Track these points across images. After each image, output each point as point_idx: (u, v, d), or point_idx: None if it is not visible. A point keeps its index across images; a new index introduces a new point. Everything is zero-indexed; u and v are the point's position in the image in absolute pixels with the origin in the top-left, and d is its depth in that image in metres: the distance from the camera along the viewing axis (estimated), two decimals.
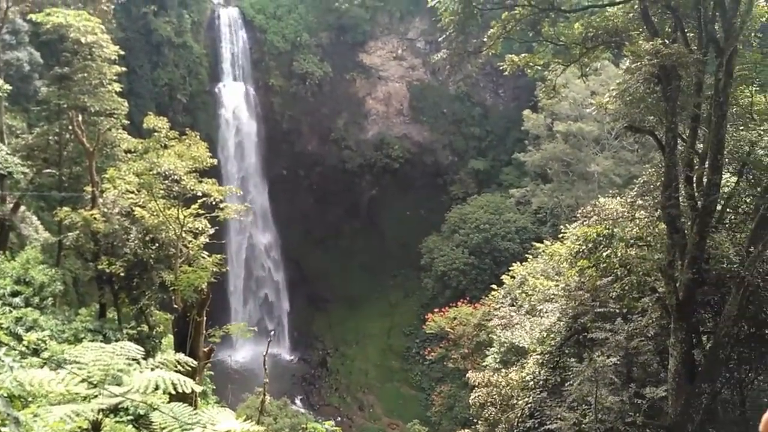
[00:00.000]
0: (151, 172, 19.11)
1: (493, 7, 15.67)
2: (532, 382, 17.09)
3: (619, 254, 15.68)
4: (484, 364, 24.15)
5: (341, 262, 56.57)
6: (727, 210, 14.74)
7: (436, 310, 37.51)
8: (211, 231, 20.20)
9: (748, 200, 14.68)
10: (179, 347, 15.86)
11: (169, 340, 21.91)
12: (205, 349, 16.95)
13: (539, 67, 17.81)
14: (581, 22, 15.83)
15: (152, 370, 7.04)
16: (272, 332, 50.45)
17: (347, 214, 58.55)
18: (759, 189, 13.89)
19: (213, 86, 52.72)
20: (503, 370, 20.41)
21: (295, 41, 54.13)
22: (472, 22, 15.54)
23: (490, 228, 49.21)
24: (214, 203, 19.39)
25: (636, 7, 14.54)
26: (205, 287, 17.04)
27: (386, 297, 56.05)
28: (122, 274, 20.75)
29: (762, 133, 14.05)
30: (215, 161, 20.60)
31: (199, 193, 19.12)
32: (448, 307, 36.51)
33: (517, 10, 15.39)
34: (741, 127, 14.47)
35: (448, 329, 33.67)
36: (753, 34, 15.22)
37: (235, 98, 53.25)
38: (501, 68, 17.35)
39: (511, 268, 27.06)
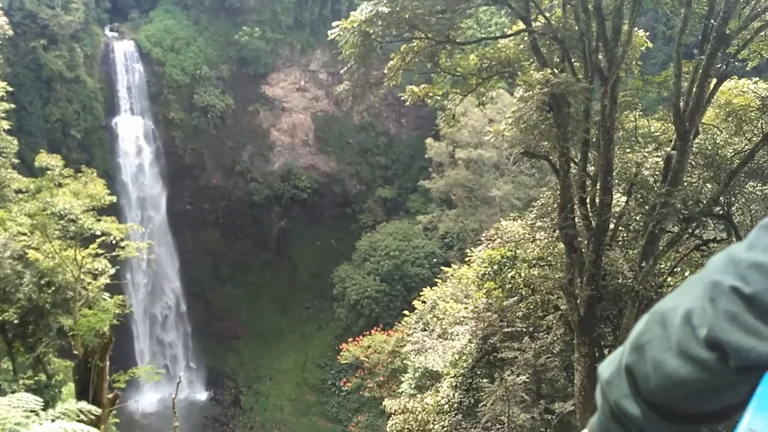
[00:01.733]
0: (44, 213, 18.20)
1: (392, 40, 16.05)
2: (447, 406, 17.28)
3: (523, 274, 16.26)
4: (399, 390, 24.21)
5: (251, 296, 55.47)
6: (619, 228, 15.61)
7: (350, 339, 37.33)
8: (112, 271, 19.40)
9: (637, 218, 15.61)
10: (81, 395, 15.04)
11: (69, 388, 20.73)
12: (110, 396, 16.15)
13: (439, 97, 18.36)
14: (476, 53, 16.51)
15: (53, 421, 6.63)
16: (181, 373, 48.60)
17: (256, 248, 57.60)
18: (646, 207, 14.80)
19: (109, 121, 50.94)
20: (419, 396, 20.53)
21: (194, 74, 53.27)
22: (372, 54, 15.83)
23: (399, 254, 49.73)
24: (114, 242, 18.67)
25: (526, 39, 15.31)
26: (107, 330, 16.30)
27: (299, 330, 55.31)
28: (16, 321, 19.51)
29: (647, 155, 15.04)
30: (114, 198, 19.88)
31: (98, 232, 18.37)
32: (362, 335, 36.42)
33: (415, 42, 15.83)
34: (627, 150, 15.44)
35: (363, 358, 33.56)
36: (634, 63, 16.38)
37: (133, 133, 51.61)
38: (402, 99, 17.77)
39: (421, 293, 27.39)
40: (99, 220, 18.47)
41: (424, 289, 28.04)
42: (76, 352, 16.19)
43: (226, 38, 54.64)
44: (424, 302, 26.51)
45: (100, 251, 18.64)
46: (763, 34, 14.61)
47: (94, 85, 49.60)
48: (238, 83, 55.73)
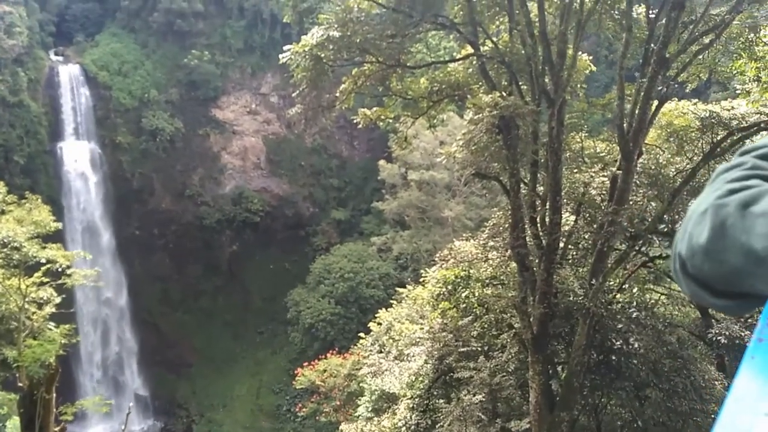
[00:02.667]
0: None
1: (343, 64, 16.17)
2: (404, 428, 17.22)
3: (477, 294, 16.42)
4: (356, 414, 24.02)
5: (203, 322, 54.42)
6: (569, 247, 15.94)
7: (305, 364, 36.94)
8: (58, 300, 18.83)
9: (586, 237, 15.98)
10: (27, 429, 14.48)
11: (14, 422, 19.91)
12: (57, 429, 15.59)
13: (390, 120, 18.55)
14: (426, 77, 16.76)
15: None
16: (130, 404, 47.18)
17: (207, 272, 56.63)
18: (595, 226, 15.17)
19: (54, 146, 49.70)
20: (376, 419, 20.41)
21: (142, 97, 52.52)
22: (324, 78, 15.92)
23: (354, 276, 49.59)
24: (60, 270, 18.15)
25: (474, 63, 15.64)
26: (54, 361, 15.77)
27: (253, 355, 54.42)
28: None
29: (593, 175, 15.46)
30: (59, 225, 19.36)
31: (43, 260, 17.83)
32: (318, 359, 36.10)
33: (366, 66, 15.99)
34: (575, 170, 15.85)
35: (319, 382, 33.23)
36: (579, 86, 16.88)
37: (78, 158, 50.45)
38: (355, 121, 17.88)
39: (377, 315, 27.34)
40: (44, 248, 17.95)
41: (379, 310, 27.99)
42: (21, 384, 15.59)
43: (175, 61, 54.10)
44: (379, 324, 26.47)
45: (45, 279, 18.09)
46: (700, 57, 15.25)
47: (38, 109, 48.41)
48: (187, 106, 55.13)
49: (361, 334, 29.22)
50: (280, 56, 15.95)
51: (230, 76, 57.11)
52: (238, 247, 58.01)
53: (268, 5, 54.00)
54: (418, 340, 18.57)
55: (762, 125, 14.26)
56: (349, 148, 61.13)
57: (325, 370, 33.28)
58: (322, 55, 14.99)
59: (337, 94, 16.64)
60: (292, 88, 17.84)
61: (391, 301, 28.67)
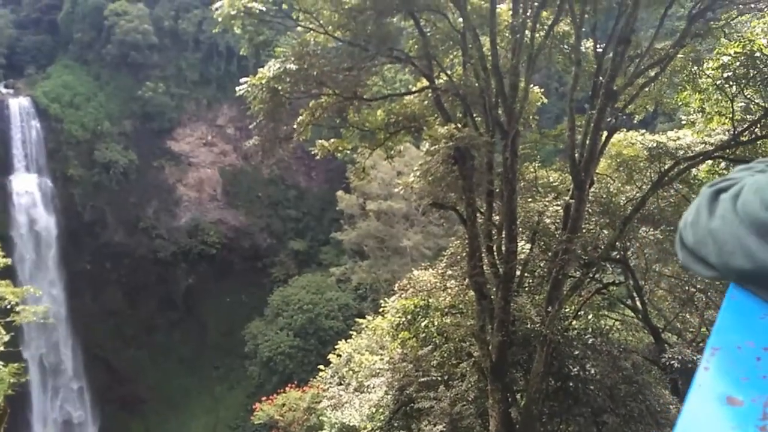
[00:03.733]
0: None
1: (300, 96, 16.25)
2: None
3: (436, 323, 16.46)
4: None
5: (158, 358, 53.12)
6: (525, 275, 16.18)
7: (263, 398, 36.23)
8: (6, 338, 18.20)
9: (541, 264, 16.24)
10: None
11: None
12: None
13: (348, 151, 18.65)
14: (383, 109, 16.97)
15: None
16: None
17: (162, 307, 55.48)
18: (550, 254, 15.44)
19: (3, 180, 48.42)
20: None
21: (95, 130, 51.74)
22: (281, 110, 15.96)
23: (313, 308, 49.22)
24: (8, 307, 17.59)
25: (430, 95, 15.91)
26: (2, 401, 15.19)
27: (210, 391, 53.24)
28: None
29: (547, 203, 15.79)
30: (8, 261, 18.82)
31: None
32: (276, 393, 35.46)
33: (323, 98, 16.11)
34: (529, 200, 16.16)
35: (278, 417, 32.61)
36: (531, 117, 17.31)
37: (28, 191, 49.20)
38: (313, 152, 17.93)
39: (336, 347, 27.11)
40: None
41: (338, 342, 27.78)
42: None
43: (129, 93, 53.57)
44: (339, 355, 26.24)
45: None
46: (647, 89, 15.83)
47: None
48: (142, 138, 54.48)
49: (321, 367, 28.88)
50: (237, 88, 15.96)
51: (186, 108, 56.76)
52: (194, 281, 57.06)
53: (224, 38, 54.08)
54: (378, 371, 18.47)
55: (707, 154, 14.81)
56: (307, 178, 61.11)
57: (284, 404, 32.70)
58: (279, 88, 15.05)
59: (295, 126, 16.68)
60: (249, 120, 17.82)
61: (351, 332, 28.50)
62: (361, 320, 27.96)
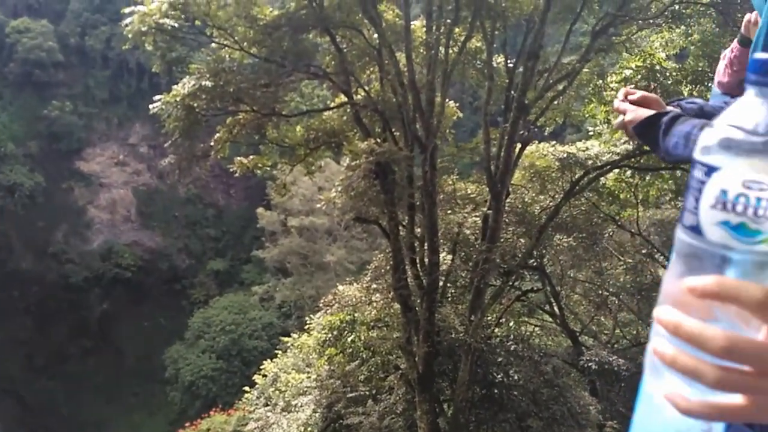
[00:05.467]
0: None
1: (217, 113, 16.02)
2: None
3: (363, 337, 16.46)
4: None
5: (72, 387, 50.57)
6: (448, 285, 16.45)
7: (186, 424, 35.09)
8: None
9: (463, 274, 16.56)
10: None
11: None
12: None
13: (268, 167, 18.49)
14: (302, 125, 16.96)
15: None
16: None
17: (75, 334, 52.93)
18: (470, 264, 15.78)
19: None
20: None
21: None
22: (197, 127, 15.68)
23: (236, 328, 48.16)
24: None
25: (349, 111, 16.02)
26: None
27: (128, 419, 51.10)
28: None
29: (466, 215, 16.15)
30: None
31: None
32: (200, 418, 34.44)
33: (241, 115, 15.93)
34: (449, 211, 16.48)
35: None
36: (448, 131, 17.72)
37: None
38: (231, 170, 17.67)
39: (261, 367, 26.64)
40: None
41: (264, 362, 27.29)
42: None
43: (34, 113, 51.19)
44: (264, 376, 25.77)
45: None
46: (556, 102, 16.52)
47: None
48: (49, 160, 52.08)
49: (246, 388, 28.25)
50: (150, 106, 15.57)
51: (95, 127, 54.75)
52: (109, 306, 54.81)
53: (135, 55, 52.51)
54: (305, 389, 18.28)
55: (614, 164, 15.56)
56: (226, 196, 60.02)
57: (208, 429, 31.77)
58: (195, 105, 14.79)
59: (212, 143, 16.41)
60: (163, 138, 17.42)
61: (276, 351, 28.03)
62: (286, 339, 27.56)
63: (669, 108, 1.92)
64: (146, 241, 57.10)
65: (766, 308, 0.63)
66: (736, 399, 0.66)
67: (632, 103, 2.03)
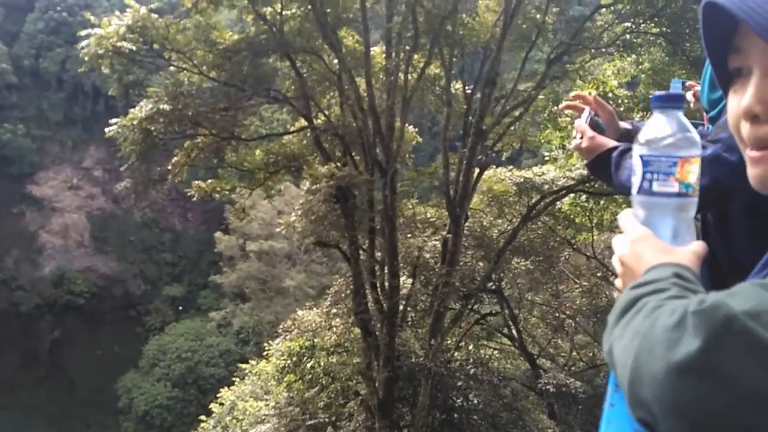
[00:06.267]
0: None
1: (174, 137, 15.87)
2: None
3: (322, 363, 16.31)
4: None
5: (22, 419, 48.71)
6: (408, 309, 16.45)
7: None
8: None
9: (423, 298, 16.60)
10: None
11: None
12: None
13: (227, 191, 18.35)
14: (261, 148, 16.89)
15: None
16: None
17: (25, 363, 51.17)
18: (430, 288, 15.84)
19: None
20: None
21: None
22: (155, 151, 15.51)
23: (192, 356, 47.20)
24: None
25: (309, 135, 16.04)
26: None
27: None
28: None
29: (426, 239, 16.25)
30: None
31: None
32: None
33: (199, 138, 15.82)
34: (409, 235, 16.56)
35: None
36: (408, 156, 17.87)
37: None
38: (189, 194, 17.48)
39: (218, 395, 26.13)
40: None
41: (221, 390, 26.79)
42: None
43: None
44: (221, 404, 25.26)
45: None
46: (513, 128, 16.83)
47: None
48: None
49: (202, 417, 27.63)
50: (107, 129, 15.33)
51: (48, 150, 53.58)
52: (61, 334, 53.21)
53: (90, 78, 51.73)
54: (263, 417, 17.96)
55: (569, 188, 15.88)
56: (183, 220, 59.16)
57: None
58: (152, 128, 14.63)
59: (170, 167, 16.23)
60: (119, 162, 17.16)
61: (234, 379, 27.54)
62: (244, 365, 27.13)
63: (619, 144, 2.03)
64: (100, 267, 55.78)
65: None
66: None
67: (587, 103, 2.22)
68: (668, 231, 1.09)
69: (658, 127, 1.10)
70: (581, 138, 2.09)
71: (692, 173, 1.09)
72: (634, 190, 1.13)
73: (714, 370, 0.71)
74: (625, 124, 2.22)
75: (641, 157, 1.11)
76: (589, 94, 2.29)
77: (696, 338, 0.73)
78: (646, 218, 1.11)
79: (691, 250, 1.04)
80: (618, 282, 1.10)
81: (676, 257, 1.00)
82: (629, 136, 2.16)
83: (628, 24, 15.33)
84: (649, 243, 1.05)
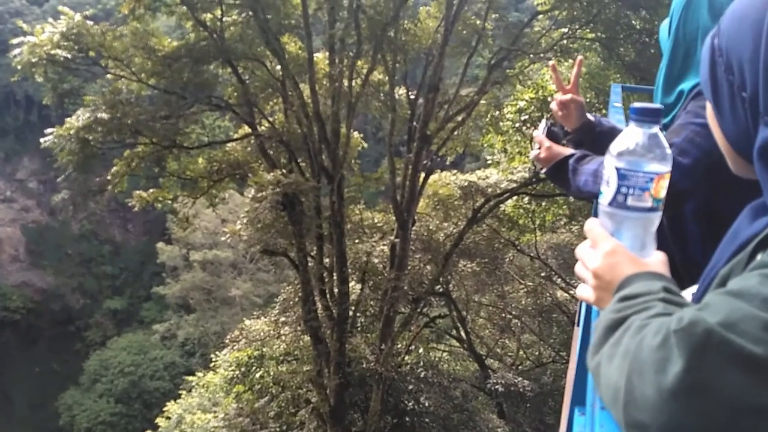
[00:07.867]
0: None
1: (113, 146, 15.50)
2: None
3: (272, 372, 16.13)
4: None
5: None
6: (358, 315, 16.46)
7: None
8: None
9: (372, 303, 16.64)
10: None
11: None
12: None
13: (169, 201, 17.99)
14: (204, 156, 16.64)
15: None
16: None
17: None
18: (380, 292, 15.89)
19: None
20: None
21: None
22: (93, 161, 15.11)
23: (136, 370, 45.99)
24: None
25: (253, 142, 15.89)
26: None
27: None
28: None
29: (374, 244, 16.29)
30: None
31: None
32: None
33: (139, 147, 15.49)
34: (357, 241, 16.58)
35: None
36: (354, 161, 17.87)
37: None
38: (129, 204, 17.07)
39: (165, 409, 25.58)
40: None
41: (167, 403, 26.24)
42: None
43: None
44: (168, 418, 24.73)
45: None
46: (456, 133, 17.05)
47: None
48: None
49: None
50: (42, 140, 14.87)
51: None
52: None
53: (23, 86, 49.93)
54: (212, 429, 17.65)
55: (513, 191, 16.19)
56: (123, 231, 57.62)
57: None
58: (90, 138, 14.24)
59: (109, 177, 15.84)
60: (55, 173, 16.64)
61: (180, 392, 27.01)
62: (190, 378, 26.63)
63: (574, 152, 2.11)
64: (36, 282, 53.79)
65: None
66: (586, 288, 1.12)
67: (562, 103, 2.31)
68: (637, 242, 1.11)
69: (637, 141, 1.10)
70: (539, 148, 2.17)
71: (664, 189, 1.11)
72: (605, 200, 1.13)
73: (702, 387, 0.73)
74: (589, 116, 2.33)
75: (618, 170, 1.11)
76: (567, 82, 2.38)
77: (680, 358, 0.75)
78: (615, 230, 1.12)
79: (659, 260, 1.09)
80: (587, 292, 1.11)
81: (651, 269, 1.04)
82: (590, 127, 2.27)
83: (565, 30, 15.77)
84: (623, 256, 1.06)
